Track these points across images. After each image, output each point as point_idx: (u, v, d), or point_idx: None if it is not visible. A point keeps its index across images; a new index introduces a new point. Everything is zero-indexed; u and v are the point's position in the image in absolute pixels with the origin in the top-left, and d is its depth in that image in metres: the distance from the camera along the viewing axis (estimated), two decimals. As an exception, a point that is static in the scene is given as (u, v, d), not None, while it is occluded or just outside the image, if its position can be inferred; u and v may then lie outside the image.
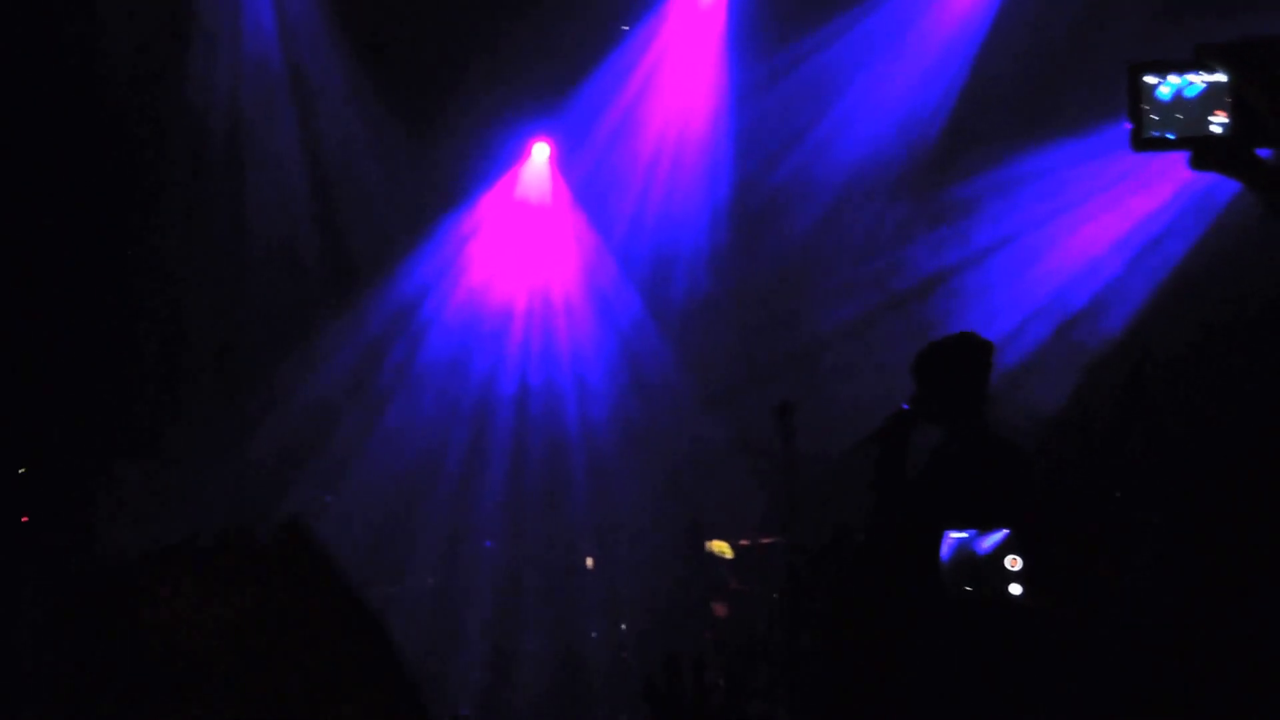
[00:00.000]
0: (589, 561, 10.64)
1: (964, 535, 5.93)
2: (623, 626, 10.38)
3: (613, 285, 11.81)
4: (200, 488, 9.98)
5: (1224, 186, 8.75)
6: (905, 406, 5.68)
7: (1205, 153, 1.67)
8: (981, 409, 5.71)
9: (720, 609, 10.06)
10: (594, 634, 10.38)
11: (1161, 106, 1.69)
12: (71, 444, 9.82)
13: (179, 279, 10.61)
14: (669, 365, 11.59)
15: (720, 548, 10.24)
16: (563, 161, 11.99)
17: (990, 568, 5.83)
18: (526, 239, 12.04)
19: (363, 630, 1.29)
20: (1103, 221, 10.18)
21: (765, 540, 9.89)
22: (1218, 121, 1.65)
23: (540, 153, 12.02)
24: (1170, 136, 1.70)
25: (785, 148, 11.21)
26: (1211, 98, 1.66)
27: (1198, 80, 1.66)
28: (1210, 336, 9.15)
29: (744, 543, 10.19)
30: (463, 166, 11.58)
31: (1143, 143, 1.73)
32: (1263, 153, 1.63)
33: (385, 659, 1.29)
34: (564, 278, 12.06)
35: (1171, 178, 9.59)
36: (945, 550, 5.88)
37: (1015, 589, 5.77)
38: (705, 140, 11.50)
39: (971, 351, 5.70)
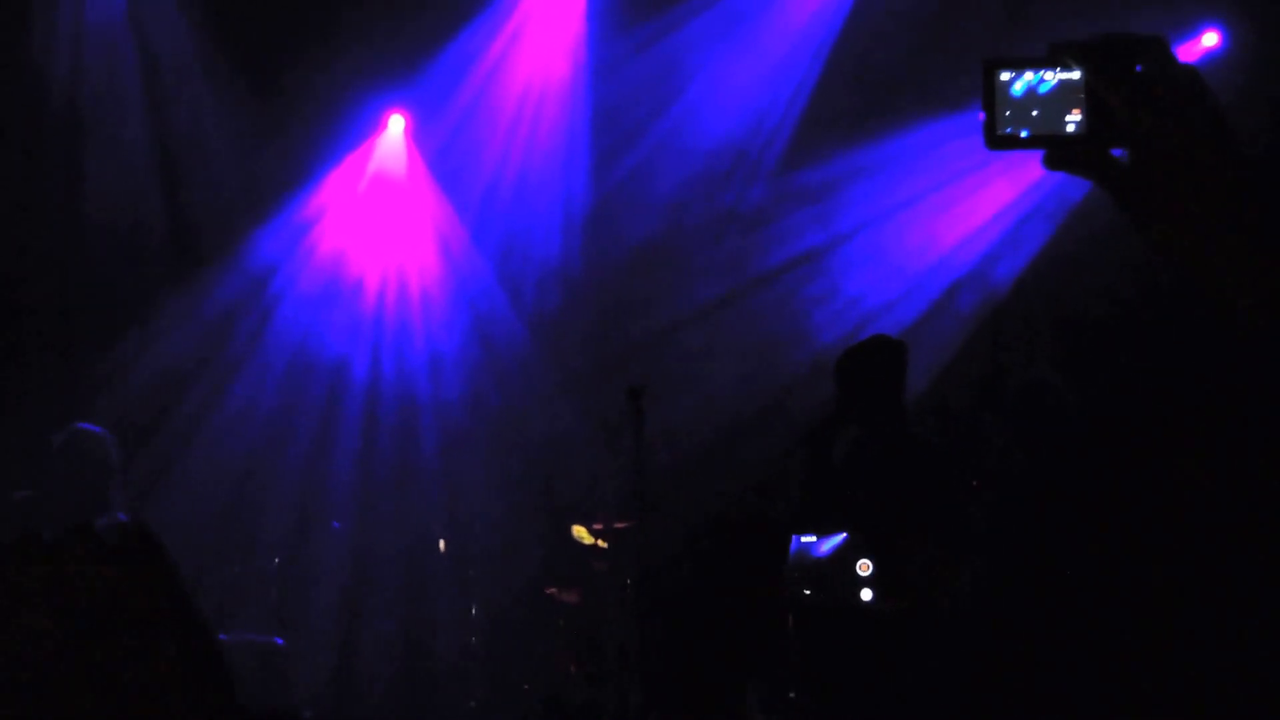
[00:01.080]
0: (440, 544, 10.43)
1: (810, 539, 6.02)
2: (473, 611, 10.20)
3: (468, 263, 11.59)
4: (36, 460, 9.60)
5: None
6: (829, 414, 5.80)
7: (1059, 151, 1.62)
8: (900, 408, 5.83)
9: (573, 595, 9.93)
10: (444, 618, 10.19)
11: (1015, 103, 1.65)
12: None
13: (13, 247, 10.19)
14: (524, 347, 11.41)
15: (579, 533, 10.10)
16: (419, 134, 11.72)
17: (838, 572, 5.90)
18: (381, 213, 11.75)
19: (192, 651, 1.26)
20: (962, 208, 10.19)
21: (620, 525, 9.78)
22: (1072, 120, 1.61)
23: (396, 125, 11.73)
24: (1024, 134, 1.65)
25: (643, 125, 11.08)
26: (1065, 95, 1.62)
27: (1051, 77, 1.63)
28: (1066, 328, 9.19)
29: (598, 526, 10.07)
30: (315, 137, 11.26)
31: (996, 140, 1.66)
32: (1117, 152, 1.58)
33: (211, 682, 1.27)
34: (419, 254, 11.80)
35: (1032, 166, 9.60)
36: (790, 553, 5.98)
37: (866, 594, 5.83)
38: (563, 115, 11.32)
39: (888, 353, 5.85)
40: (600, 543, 10.03)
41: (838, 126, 10.49)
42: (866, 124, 10.29)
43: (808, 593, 6.00)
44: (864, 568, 5.88)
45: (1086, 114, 1.60)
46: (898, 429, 5.79)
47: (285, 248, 11.31)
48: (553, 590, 9.95)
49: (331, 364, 11.31)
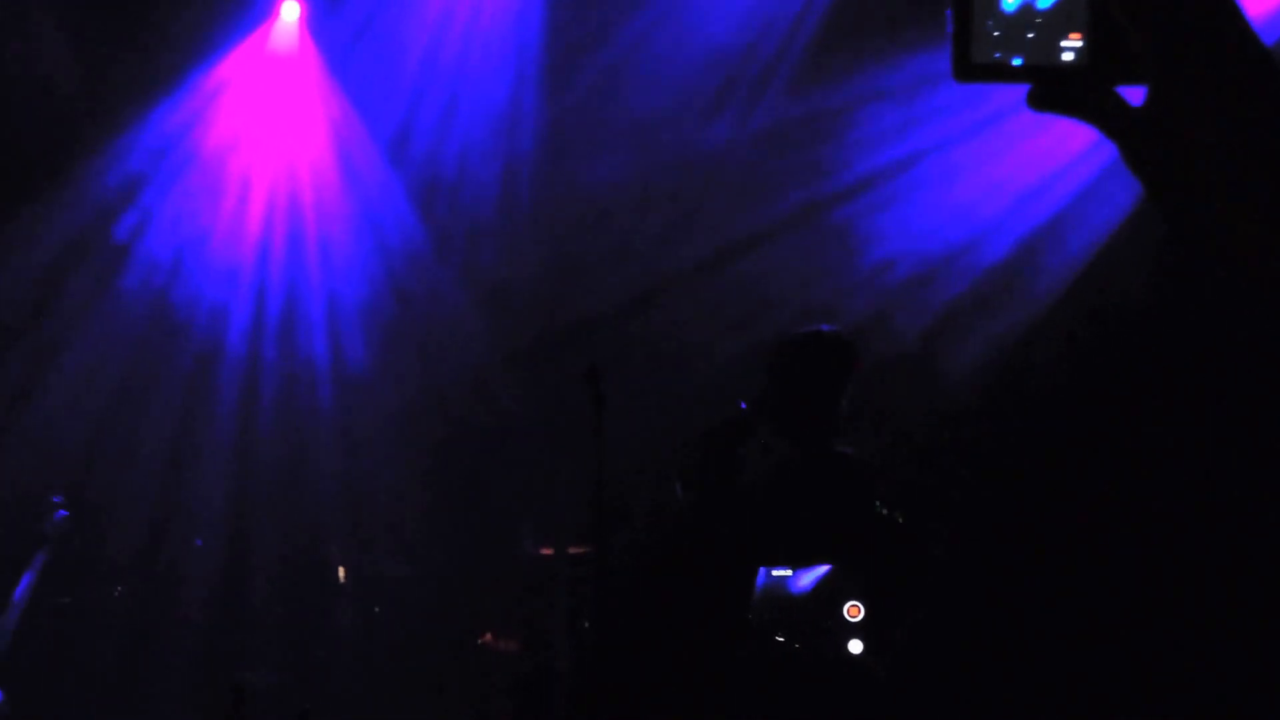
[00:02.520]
0: (340, 572, 8.03)
1: (783, 572, 5.28)
2: (379, 663, 7.84)
3: (381, 199, 9.09)
4: None
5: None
6: (744, 406, 4.93)
7: (1049, 88, 1.24)
8: (836, 422, 5.00)
9: (513, 644, 7.64)
10: (342, 671, 7.80)
11: (1003, 21, 1.25)
12: None
13: None
14: (453, 310, 8.91)
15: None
16: (318, 28, 9.15)
17: (820, 615, 5.13)
18: (269, 129, 9.25)
19: None
20: (1038, 143, 7.75)
21: (575, 550, 7.61)
22: (1069, 47, 1.25)
23: (289, 12, 9.19)
24: (1015, 63, 1.25)
25: (615, 21, 8.56)
26: (1063, 16, 1.25)
27: None
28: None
29: (547, 552, 7.82)
30: (182, 29, 8.76)
31: (969, 70, 1.26)
32: (1129, 94, 1.20)
33: None
34: (317, 182, 9.29)
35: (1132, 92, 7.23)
36: (756, 590, 5.26)
37: (855, 646, 5.10)
38: (508, 9, 8.82)
39: (829, 353, 5.01)
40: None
41: (878, 32, 7.95)
42: (914, 31, 7.76)
43: (780, 640, 5.21)
44: (853, 611, 5.08)
45: (1088, 39, 1.26)
46: (827, 445, 4.97)
47: (142, 171, 8.77)
48: (487, 638, 7.62)
49: (203, 319, 8.85)
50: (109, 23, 8.47)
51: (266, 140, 9.17)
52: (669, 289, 8.55)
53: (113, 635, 7.46)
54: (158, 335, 8.70)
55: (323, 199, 9.25)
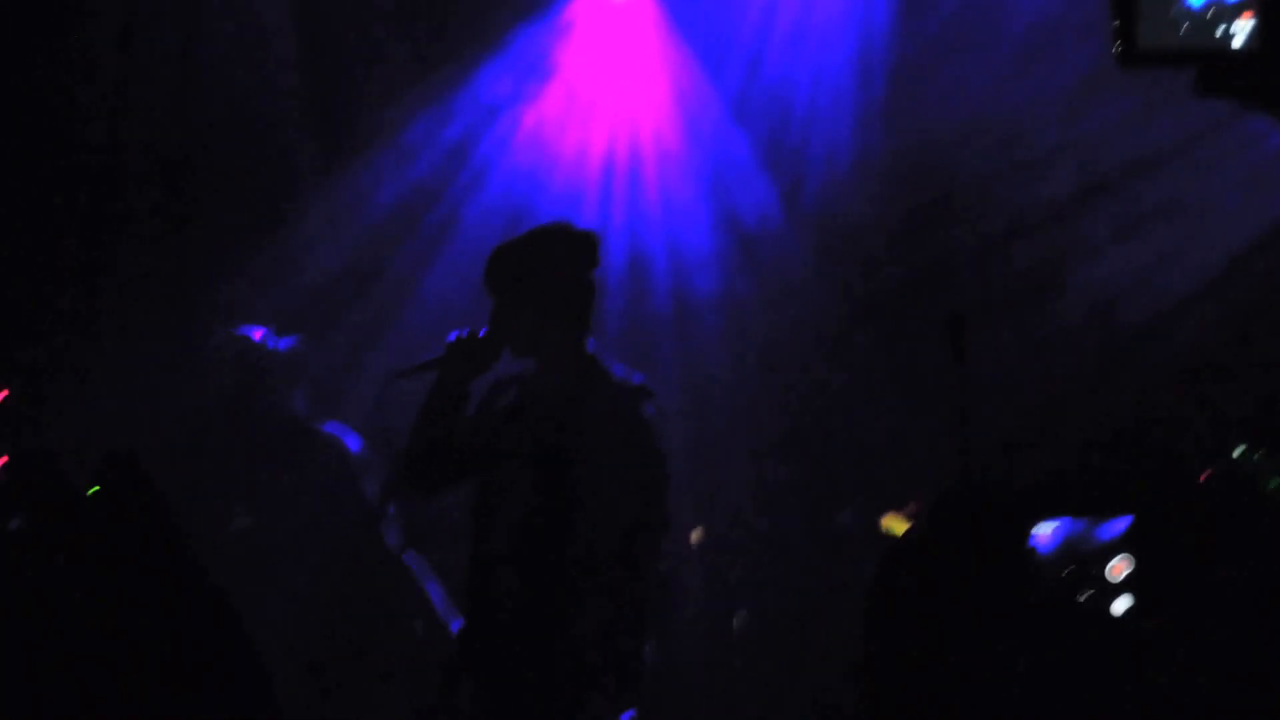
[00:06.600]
0: (693, 535, 7.56)
1: (1062, 524, 4.76)
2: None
3: (719, 141, 8.62)
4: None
5: None
6: (475, 333, 4.44)
7: (1219, 72, 0.89)
8: (584, 333, 4.47)
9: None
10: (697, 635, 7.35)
11: (1184, 12, 0.92)
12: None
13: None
14: (797, 259, 8.38)
15: (891, 525, 7.33)
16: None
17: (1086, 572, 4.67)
18: (609, 73, 8.92)
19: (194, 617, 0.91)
20: None
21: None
22: (1239, 29, 0.94)
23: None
24: (1182, 46, 0.93)
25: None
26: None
27: None
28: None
29: (913, 508, 7.30)
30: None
31: (1137, 56, 0.99)
32: None
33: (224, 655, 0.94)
34: (656, 127, 8.90)
35: None
36: (1048, 544, 4.73)
37: (1120, 604, 4.62)
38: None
39: (566, 249, 4.46)
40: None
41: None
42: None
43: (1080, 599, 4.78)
44: (1118, 570, 4.64)
45: (1259, 20, 1.00)
46: (581, 360, 4.41)
47: (474, 128, 8.60)
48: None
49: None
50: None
51: (609, 85, 8.85)
52: (1044, 227, 7.91)
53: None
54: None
55: (664, 151, 8.88)
